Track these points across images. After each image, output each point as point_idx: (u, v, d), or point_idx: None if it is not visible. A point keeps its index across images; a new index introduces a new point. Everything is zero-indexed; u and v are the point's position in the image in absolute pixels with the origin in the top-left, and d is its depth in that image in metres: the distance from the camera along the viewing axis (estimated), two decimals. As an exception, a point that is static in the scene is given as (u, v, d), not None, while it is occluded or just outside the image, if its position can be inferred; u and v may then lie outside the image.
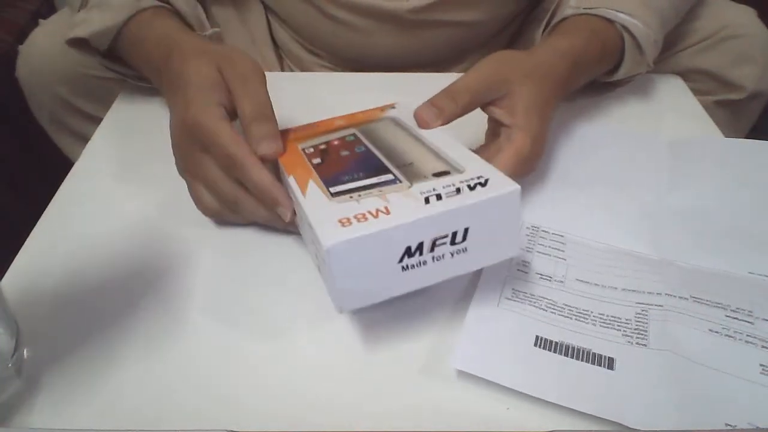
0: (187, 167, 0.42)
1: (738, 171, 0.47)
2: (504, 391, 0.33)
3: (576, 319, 0.37)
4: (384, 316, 0.37)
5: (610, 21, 0.51)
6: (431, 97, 0.42)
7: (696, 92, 0.60)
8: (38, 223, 0.44)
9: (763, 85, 0.62)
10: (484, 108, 0.44)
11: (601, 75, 0.54)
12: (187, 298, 0.39)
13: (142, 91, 0.60)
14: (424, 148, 0.39)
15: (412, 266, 0.32)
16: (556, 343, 0.35)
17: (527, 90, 0.43)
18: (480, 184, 0.33)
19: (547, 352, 0.35)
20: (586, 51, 0.49)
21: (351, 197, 0.33)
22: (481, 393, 0.33)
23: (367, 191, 0.34)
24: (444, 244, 0.32)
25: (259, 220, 0.41)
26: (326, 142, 0.41)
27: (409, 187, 0.34)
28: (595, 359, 0.34)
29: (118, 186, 0.48)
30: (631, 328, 0.36)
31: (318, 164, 0.38)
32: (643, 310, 0.37)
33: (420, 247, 0.31)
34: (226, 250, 0.43)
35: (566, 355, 0.34)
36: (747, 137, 0.68)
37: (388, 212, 0.31)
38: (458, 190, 0.33)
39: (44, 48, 0.61)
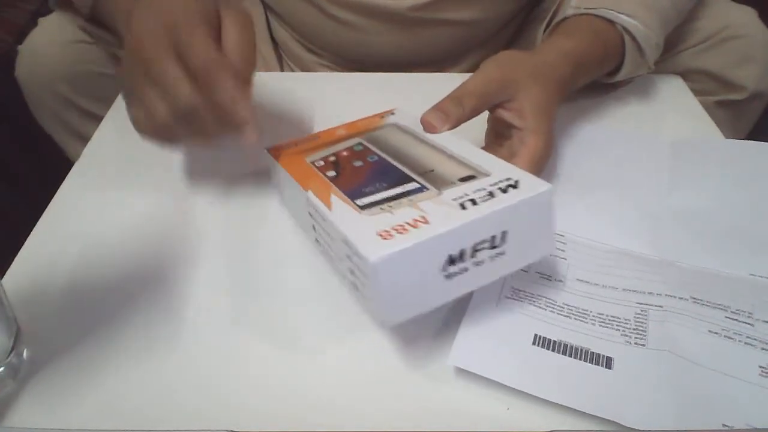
0: (143, 73, 0.36)
1: (739, 172, 0.47)
2: (504, 390, 0.33)
3: (575, 319, 0.37)
4: (384, 316, 0.37)
5: (611, 22, 0.51)
6: (437, 102, 0.42)
7: (697, 92, 0.60)
8: (38, 223, 0.44)
9: (763, 86, 0.62)
10: (491, 110, 0.44)
11: (601, 76, 0.54)
12: (187, 298, 0.39)
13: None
14: (440, 154, 0.38)
15: (454, 274, 0.31)
16: (555, 342, 0.35)
17: (534, 91, 0.43)
18: (511, 186, 0.33)
19: (545, 350, 0.35)
20: (589, 52, 0.49)
21: (382, 209, 0.33)
22: (481, 393, 0.33)
23: (397, 201, 0.33)
24: (484, 248, 0.32)
25: (205, 142, 0.38)
26: (334, 154, 0.41)
27: (439, 194, 0.33)
28: (593, 358, 0.34)
29: (118, 186, 0.48)
30: (630, 328, 0.36)
31: (334, 177, 0.38)
32: (642, 311, 0.37)
33: (462, 254, 0.31)
34: (226, 250, 0.43)
35: (564, 354, 0.34)
36: (748, 137, 0.68)
37: (426, 221, 0.31)
38: (491, 194, 0.32)
39: (44, 48, 0.61)
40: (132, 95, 0.38)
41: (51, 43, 0.60)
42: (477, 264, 0.32)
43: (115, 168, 0.50)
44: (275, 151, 0.43)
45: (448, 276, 0.31)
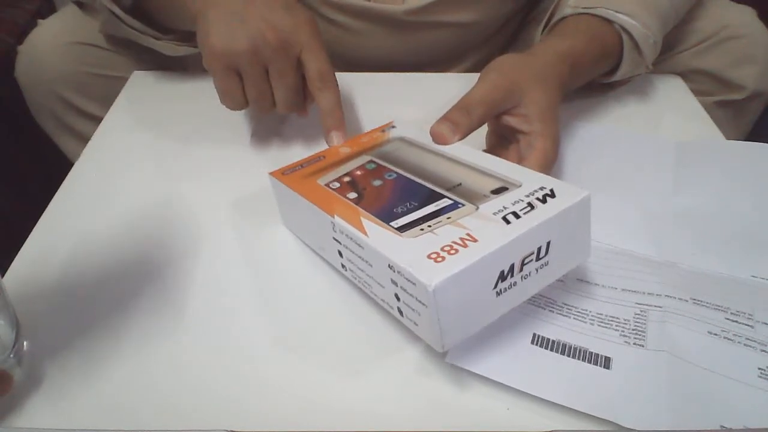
0: (264, 63, 0.44)
1: (742, 174, 0.47)
2: (504, 390, 0.33)
3: (574, 318, 0.37)
4: (383, 315, 0.37)
5: (608, 21, 0.51)
6: (445, 113, 0.42)
7: (696, 93, 0.60)
8: (38, 223, 0.45)
9: (763, 85, 0.62)
10: (496, 117, 0.44)
11: (600, 76, 0.54)
12: (187, 297, 0.39)
13: (143, 91, 0.60)
14: (461, 166, 0.38)
15: (505, 289, 0.31)
16: (553, 341, 0.35)
17: (538, 95, 0.43)
18: (548, 195, 0.33)
19: (543, 350, 0.35)
20: (585, 53, 0.49)
21: (422, 229, 0.32)
22: (480, 393, 0.33)
23: (435, 220, 0.33)
24: (531, 261, 0.32)
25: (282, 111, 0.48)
26: (348, 174, 0.39)
27: (476, 209, 0.33)
28: (592, 358, 0.34)
29: (118, 186, 0.48)
30: (629, 329, 0.36)
31: (356, 199, 0.36)
32: (642, 311, 0.37)
33: (512, 268, 0.31)
34: (225, 250, 0.43)
35: (562, 353, 0.34)
36: (748, 137, 0.68)
37: (474, 239, 0.30)
38: (531, 205, 0.32)
39: (44, 48, 0.61)
40: (230, 73, 0.45)
41: (51, 44, 0.60)
42: (524, 277, 0.32)
43: (115, 168, 0.50)
44: (280, 175, 0.41)
45: (499, 292, 0.31)
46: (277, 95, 0.46)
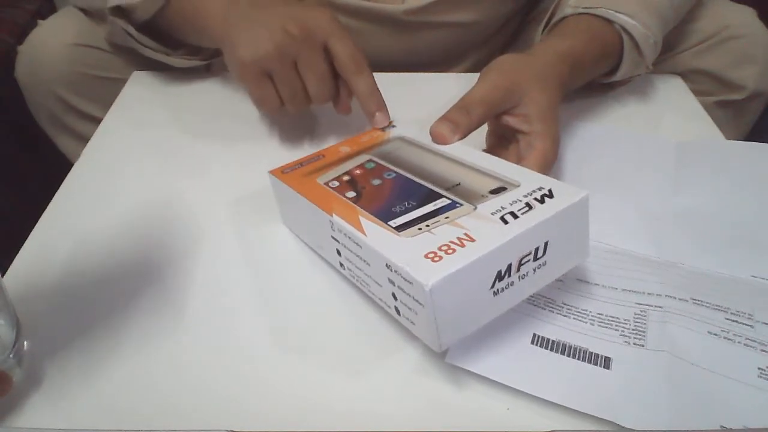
0: (285, 57, 0.44)
1: (743, 174, 0.47)
2: (504, 390, 0.33)
3: (574, 318, 0.37)
4: (383, 315, 0.37)
5: (608, 21, 0.51)
6: (445, 113, 0.42)
7: (696, 93, 0.60)
8: (38, 223, 0.45)
9: (763, 85, 0.62)
10: (496, 117, 0.44)
11: (600, 76, 0.54)
12: (187, 297, 0.39)
13: (143, 90, 0.60)
14: (460, 166, 0.38)
15: (502, 289, 0.31)
16: (553, 341, 0.35)
17: (538, 95, 0.43)
18: (546, 195, 0.33)
19: (543, 350, 0.35)
20: (585, 53, 0.49)
21: (420, 229, 0.32)
22: (480, 393, 0.33)
23: (433, 220, 0.33)
24: (528, 261, 0.32)
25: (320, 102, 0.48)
26: (347, 173, 0.39)
27: (474, 209, 0.33)
28: (592, 358, 0.34)
29: (118, 186, 0.48)
30: (629, 329, 0.36)
31: (355, 198, 0.36)
32: (642, 311, 0.37)
33: (509, 268, 0.31)
34: (225, 250, 0.43)
35: (562, 353, 0.34)
36: (747, 137, 0.68)
37: (472, 239, 0.30)
38: (529, 206, 0.32)
39: (44, 48, 0.61)
40: (262, 79, 0.45)
41: (51, 44, 0.60)
42: (521, 277, 0.32)
43: (115, 168, 0.50)
44: (280, 173, 0.41)
45: (496, 292, 0.31)
46: (310, 86, 0.46)
